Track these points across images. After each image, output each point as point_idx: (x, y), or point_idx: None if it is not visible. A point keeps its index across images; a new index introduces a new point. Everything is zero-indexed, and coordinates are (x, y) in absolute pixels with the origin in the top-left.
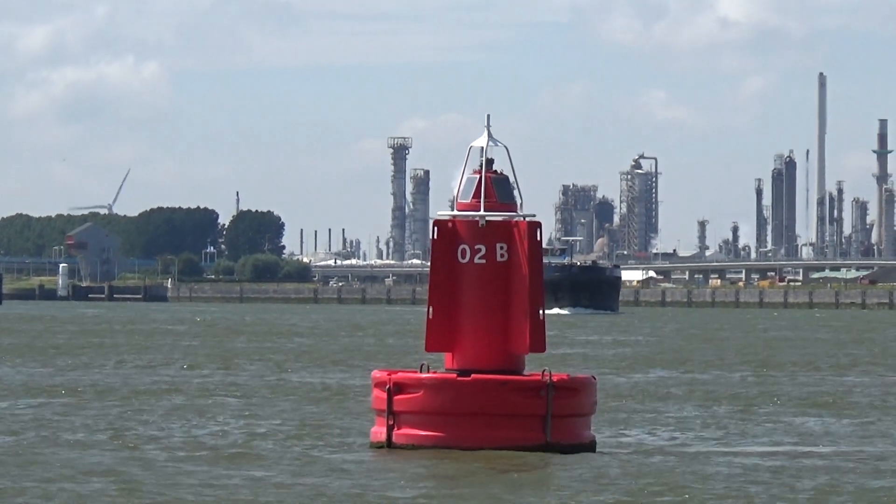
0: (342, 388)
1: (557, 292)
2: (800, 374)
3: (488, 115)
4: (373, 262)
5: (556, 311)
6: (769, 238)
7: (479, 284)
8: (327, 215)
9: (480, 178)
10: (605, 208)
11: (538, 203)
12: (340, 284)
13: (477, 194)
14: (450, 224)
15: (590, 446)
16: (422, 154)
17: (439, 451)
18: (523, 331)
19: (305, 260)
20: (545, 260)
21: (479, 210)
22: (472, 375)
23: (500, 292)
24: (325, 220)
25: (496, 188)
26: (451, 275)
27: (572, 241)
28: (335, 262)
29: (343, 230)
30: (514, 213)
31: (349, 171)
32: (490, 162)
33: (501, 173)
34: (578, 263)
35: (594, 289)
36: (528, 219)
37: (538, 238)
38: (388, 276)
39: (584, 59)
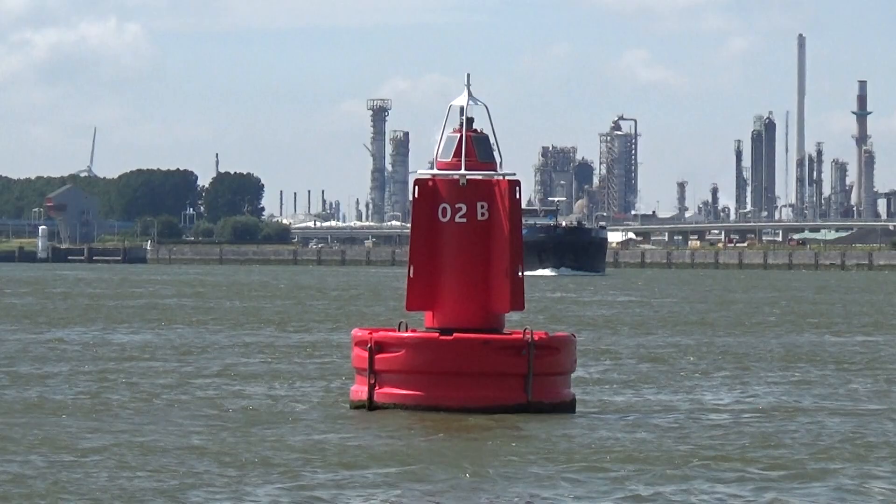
0: None
1: (542, 253)
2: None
3: (468, 74)
4: (352, 223)
5: (540, 272)
6: (749, 199)
7: (459, 243)
8: (307, 177)
9: (461, 136)
10: (584, 170)
11: (518, 164)
12: (320, 246)
13: (458, 153)
14: (430, 183)
15: (570, 405)
16: (402, 115)
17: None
18: (504, 289)
19: (285, 222)
20: (531, 221)
21: (460, 169)
22: (454, 335)
23: (481, 251)
24: (305, 181)
25: (477, 147)
26: (432, 234)
27: (557, 202)
28: (315, 224)
29: (322, 192)
30: (494, 172)
31: (329, 133)
32: (470, 121)
33: (482, 132)
34: (564, 224)
35: (579, 250)
36: (507, 177)
37: (518, 196)
38: (368, 238)
39: (566, 19)
